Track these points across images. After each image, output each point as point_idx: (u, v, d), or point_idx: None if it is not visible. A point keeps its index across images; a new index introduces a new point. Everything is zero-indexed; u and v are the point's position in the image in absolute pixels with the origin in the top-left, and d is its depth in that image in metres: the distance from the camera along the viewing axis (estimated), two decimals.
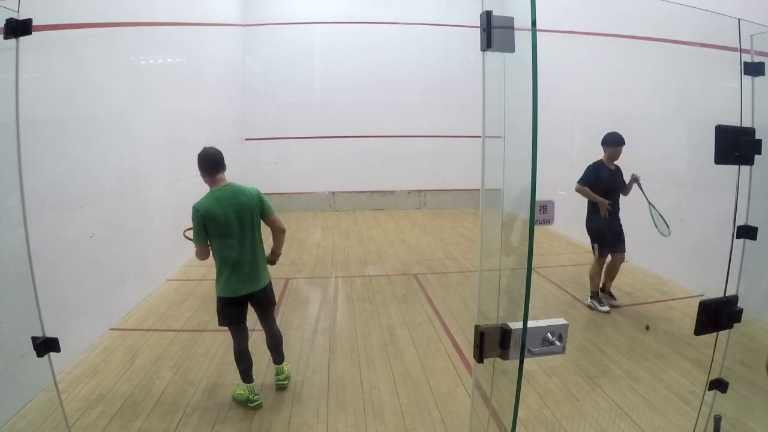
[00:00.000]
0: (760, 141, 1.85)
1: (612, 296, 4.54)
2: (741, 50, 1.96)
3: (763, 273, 2.33)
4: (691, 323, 1.87)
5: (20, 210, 2.03)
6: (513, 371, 1.34)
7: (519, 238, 1.44)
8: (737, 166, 1.93)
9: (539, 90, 1.19)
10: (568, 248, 6.75)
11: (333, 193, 10.53)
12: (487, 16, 1.24)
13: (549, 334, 1.31)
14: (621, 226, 4.34)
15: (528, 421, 2.76)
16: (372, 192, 10.61)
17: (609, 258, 4.40)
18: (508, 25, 1.26)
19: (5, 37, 1.92)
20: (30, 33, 1.94)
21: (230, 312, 2.91)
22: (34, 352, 2.00)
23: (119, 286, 4.42)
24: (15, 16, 1.91)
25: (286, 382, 3.14)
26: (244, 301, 2.92)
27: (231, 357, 3.02)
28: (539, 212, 1.76)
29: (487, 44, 1.27)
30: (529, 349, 1.30)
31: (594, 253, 4.41)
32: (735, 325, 1.89)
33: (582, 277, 4.81)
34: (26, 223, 2.04)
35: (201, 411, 2.91)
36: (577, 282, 5.14)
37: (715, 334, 1.99)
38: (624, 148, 4.22)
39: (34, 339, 2.01)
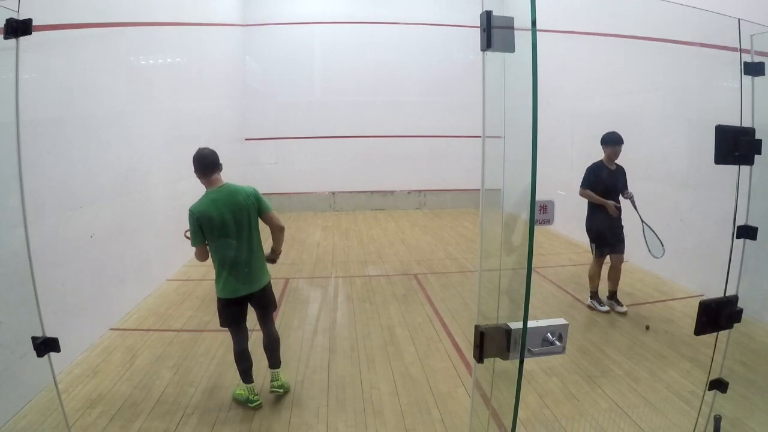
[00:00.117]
0: (760, 141, 1.85)
1: (619, 303, 4.37)
2: (741, 50, 1.96)
3: (763, 273, 2.33)
4: (691, 323, 1.87)
5: (20, 210, 2.03)
6: (513, 371, 1.34)
7: (519, 238, 1.44)
8: (737, 166, 1.93)
9: (539, 90, 1.19)
10: (568, 248, 6.75)
11: (333, 193, 10.53)
12: (487, 16, 1.25)
13: (549, 334, 1.31)
14: (621, 226, 4.32)
15: (528, 421, 2.76)
16: (372, 192, 10.61)
17: (608, 259, 4.40)
18: (508, 25, 1.26)
19: (5, 37, 1.92)
20: (30, 33, 1.94)
21: (230, 312, 2.90)
22: (34, 352, 2.00)
23: (119, 286, 4.42)
24: (15, 16, 1.91)
25: (281, 390, 3.01)
26: (244, 301, 2.92)
27: (231, 357, 3.02)
28: (539, 212, 1.76)
29: (487, 44, 1.27)
30: (529, 349, 1.30)
31: (592, 253, 4.41)
32: (735, 325, 1.89)
33: (582, 277, 4.80)
34: (26, 223, 2.04)
35: (201, 411, 2.91)
36: (577, 282, 5.14)
37: (715, 334, 1.99)
38: (624, 148, 4.21)
39: (34, 339, 2.01)
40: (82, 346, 3.71)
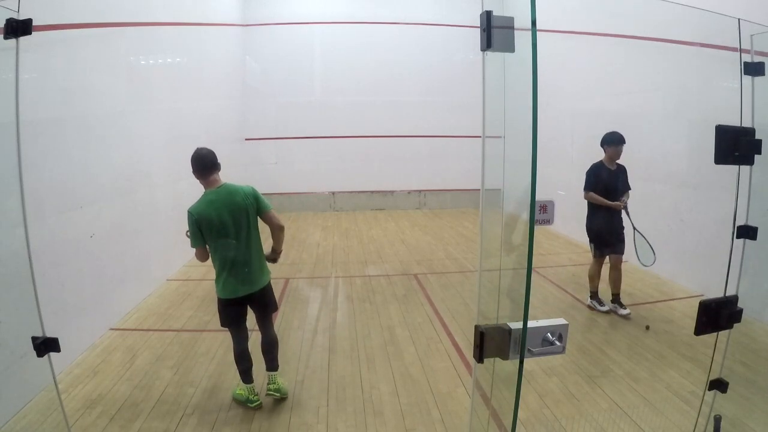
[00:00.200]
0: (760, 141, 1.85)
1: (622, 306, 4.27)
2: (741, 50, 1.96)
3: (763, 273, 2.33)
4: (691, 323, 1.87)
5: (20, 210, 2.03)
6: (513, 371, 1.34)
7: (519, 238, 1.44)
8: (737, 166, 1.93)
9: (539, 90, 1.19)
10: (568, 248, 6.75)
11: (333, 193, 10.53)
12: (487, 16, 1.25)
13: (549, 334, 1.31)
14: (622, 227, 4.30)
15: (528, 421, 2.76)
16: (372, 192, 10.61)
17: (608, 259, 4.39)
18: (508, 25, 1.26)
19: (5, 37, 1.92)
20: (30, 33, 1.94)
21: (230, 312, 2.90)
22: (34, 352, 2.00)
23: (119, 286, 4.42)
24: (15, 16, 1.91)
25: (277, 394, 2.96)
26: (244, 301, 2.91)
27: (231, 357, 3.02)
28: (539, 212, 1.76)
29: (487, 44, 1.27)
30: (529, 349, 1.30)
31: (592, 253, 4.41)
32: (735, 325, 1.89)
33: (582, 277, 4.80)
34: (26, 223, 2.04)
35: (201, 411, 2.91)
36: (577, 282, 5.14)
37: (715, 334, 1.99)
38: (624, 148, 4.21)
39: (34, 339, 2.01)
40: (82, 346, 3.71)
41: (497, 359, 1.37)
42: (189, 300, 4.87)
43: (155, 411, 2.90)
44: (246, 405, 2.93)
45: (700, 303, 1.81)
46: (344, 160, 10.30)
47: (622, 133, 4.20)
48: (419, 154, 10.36)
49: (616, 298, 4.34)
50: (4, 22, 1.90)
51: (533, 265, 1.29)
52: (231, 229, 2.77)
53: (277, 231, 2.96)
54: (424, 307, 4.64)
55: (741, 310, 1.86)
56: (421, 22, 10.05)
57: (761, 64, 1.98)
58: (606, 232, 4.27)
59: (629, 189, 4.30)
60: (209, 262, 2.86)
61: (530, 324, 1.29)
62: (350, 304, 4.80)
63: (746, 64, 1.98)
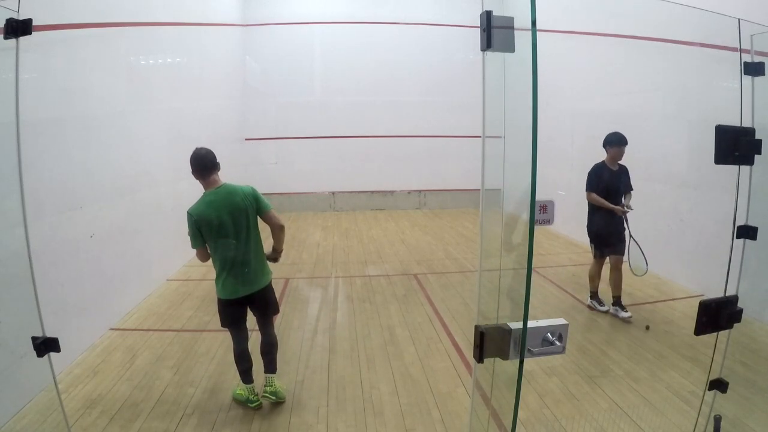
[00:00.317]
0: (760, 141, 1.85)
1: (624, 308, 4.22)
2: (741, 50, 1.96)
3: (763, 273, 2.33)
4: (691, 323, 1.87)
5: (20, 210, 2.03)
6: (513, 371, 1.34)
7: (519, 237, 1.44)
8: (737, 166, 1.93)
9: (539, 90, 1.19)
10: (568, 248, 6.75)
11: (333, 193, 10.53)
12: (487, 16, 1.25)
13: (549, 334, 1.31)
14: (623, 227, 4.29)
15: (528, 421, 2.76)
16: (372, 192, 10.61)
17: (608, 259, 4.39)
18: (508, 25, 1.26)
19: (5, 37, 1.92)
20: (30, 33, 1.94)
21: (230, 313, 2.90)
22: (34, 352, 2.00)
23: (119, 286, 4.42)
24: (15, 16, 1.91)
25: (273, 398, 2.93)
26: (244, 302, 2.91)
27: (231, 357, 3.02)
28: (539, 212, 1.76)
29: (487, 44, 1.27)
30: (529, 349, 1.30)
31: (592, 253, 4.40)
32: (735, 325, 1.89)
33: (582, 277, 4.81)
34: (26, 223, 2.04)
35: (201, 411, 2.91)
36: (577, 282, 5.14)
37: (715, 334, 1.99)
38: (625, 148, 4.21)
39: (34, 339, 2.01)
40: (82, 346, 3.71)
41: (497, 359, 1.37)
42: (189, 300, 4.87)
43: (155, 411, 2.90)
44: (246, 405, 2.93)
45: (700, 303, 1.81)
46: (344, 160, 10.30)
47: (622, 134, 4.20)
48: (419, 154, 10.36)
49: (617, 301, 4.30)
50: (4, 22, 1.90)
51: (533, 265, 1.29)
52: (231, 229, 2.77)
53: (278, 231, 2.95)
54: (424, 307, 4.64)
55: (741, 310, 1.86)
56: (421, 22, 10.05)
57: (761, 64, 1.98)
58: (606, 233, 4.27)
59: (631, 190, 4.28)
60: (209, 262, 2.86)
61: (530, 324, 1.29)
62: (350, 304, 4.80)
63: (746, 64, 1.98)
